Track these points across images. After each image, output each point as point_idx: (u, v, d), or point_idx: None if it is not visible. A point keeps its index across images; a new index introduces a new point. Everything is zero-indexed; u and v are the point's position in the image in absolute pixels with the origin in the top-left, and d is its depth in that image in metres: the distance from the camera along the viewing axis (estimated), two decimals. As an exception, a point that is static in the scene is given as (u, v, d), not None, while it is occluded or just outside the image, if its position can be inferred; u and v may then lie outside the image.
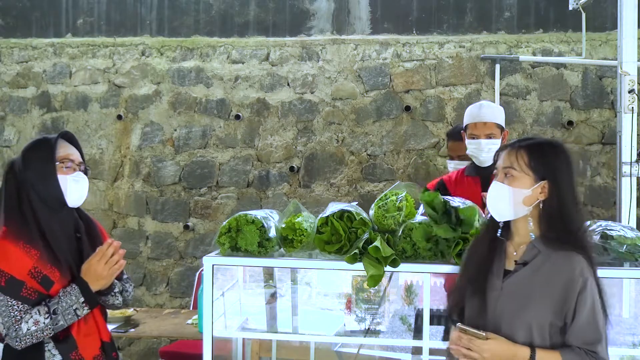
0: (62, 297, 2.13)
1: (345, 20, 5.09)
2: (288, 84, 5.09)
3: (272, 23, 5.16)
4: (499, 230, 2.03)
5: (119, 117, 5.22)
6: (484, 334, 1.92)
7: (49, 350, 2.16)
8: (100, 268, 2.18)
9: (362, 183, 4.97)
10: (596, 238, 2.30)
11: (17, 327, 2.07)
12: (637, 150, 3.70)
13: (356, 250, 2.25)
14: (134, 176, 5.22)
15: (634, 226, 3.02)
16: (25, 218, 2.16)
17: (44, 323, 2.09)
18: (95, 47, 5.32)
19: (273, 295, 2.86)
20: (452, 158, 3.47)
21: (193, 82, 5.18)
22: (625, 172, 3.54)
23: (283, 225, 2.41)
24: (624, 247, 2.22)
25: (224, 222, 2.40)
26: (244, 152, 5.12)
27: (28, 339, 2.09)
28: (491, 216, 2.05)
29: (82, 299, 2.14)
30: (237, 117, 5.09)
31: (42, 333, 2.10)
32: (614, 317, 2.48)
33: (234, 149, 5.13)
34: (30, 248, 2.12)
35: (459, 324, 1.98)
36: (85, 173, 2.30)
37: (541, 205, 1.94)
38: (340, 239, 2.32)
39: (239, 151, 5.13)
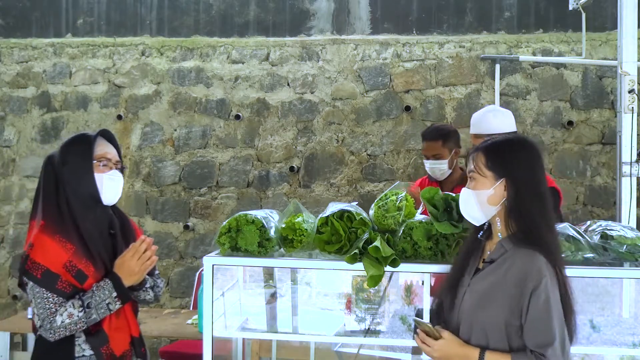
0: (95, 292, 2.16)
1: (345, 20, 5.09)
2: (288, 84, 5.09)
3: (272, 23, 5.16)
4: (481, 231, 2.04)
5: (119, 117, 5.22)
6: (437, 332, 1.94)
7: (79, 344, 2.19)
8: (133, 263, 2.21)
9: (362, 183, 4.97)
10: (596, 238, 2.31)
11: (51, 319, 2.11)
12: (637, 150, 3.70)
13: (356, 250, 2.25)
14: (134, 176, 5.22)
15: (634, 226, 3.02)
16: (62, 213, 2.20)
17: (77, 316, 2.13)
18: (95, 47, 5.32)
19: (273, 295, 2.86)
20: (427, 158, 3.46)
21: (193, 82, 5.18)
22: (625, 172, 3.55)
23: (283, 225, 2.41)
24: (624, 247, 2.22)
25: (224, 222, 2.40)
26: (244, 152, 5.12)
27: (62, 331, 2.13)
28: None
29: (114, 294, 2.17)
30: (237, 117, 5.09)
31: (76, 326, 2.13)
32: (614, 317, 2.48)
33: (234, 149, 5.13)
34: (66, 242, 2.16)
35: (414, 317, 2.03)
36: (122, 171, 2.34)
37: (505, 203, 1.93)
38: (340, 239, 2.32)
39: (239, 151, 5.13)
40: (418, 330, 2.00)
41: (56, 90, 5.34)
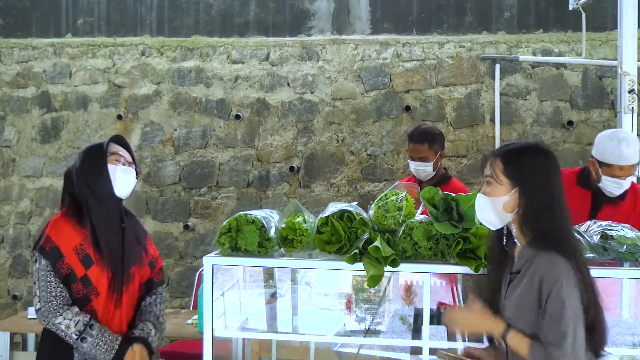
0: (101, 337, 2.28)
1: (345, 20, 5.09)
2: (288, 84, 5.09)
3: (272, 23, 5.16)
4: (503, 239, 2.04)
5: (119, 117, 5.22)
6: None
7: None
8: None
9: (362, 183, 4.97)
10: (596, 238, 2.30)
11: (53, 311, 2.25)
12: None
13: (356, 250, 2.25)
14: (134, 176, 5.22)
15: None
16: (80, 205, 2.37)
17: (69, 335, 2.26)
18: (95, 47, 5.32)
19: (273, 295, 2.86)
20: (413, 159, 3.47)
21: (193, 82, 5.18)
22: (625, 172, 3.53)
23: (283, 225, 2.41)
24: (624, 247, 2.22)
25: (224, 222, 2.41)
26: (244, 152, 5.12)
27: (54, 328, 2.27)
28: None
29: (111, 355, 2.29)
30: (237, 117, 5.09)
31: (64, 336, 2.27)
32: (614, 317, 2.48)
33: (234, 149, 5.13)
34: (81, 227, 2.33)
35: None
36: (136, 174, 2.50)
37: (519, 211, 1.94)
38: (340, 239, 2.32)
39: (239, 151, 5.13)
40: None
41: (56, 90, 5.34)
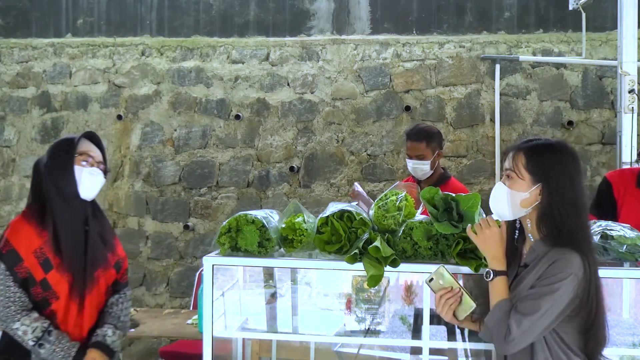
0: (58, 344, 2.26)
1: (345, 20, 5.09)
2: (288, 84, 5.09)
3: (272, 23, 5.16)
4: (515, 234, 2.05)
5: (119, 117, 5.22)
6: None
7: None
8: None
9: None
10: (596, 238, 2.30)
11: (11, 316, 2.23)
12: (637, 150, 3.70)
13: (356, 250, 2.24)
14: (134, 176, 5.22)
15: (634, 226, 3.01)
16: (43, 205, 2.33)
17: (26, 341, 2.24)
18: (95, 47, 5.32)
19: (273, 295, 2.86)
20: (410, 157, 3.47)
21: (193, 82, 5.18)
22: (625, 172, 3.53)
23: (283, 225, 2.41)
24: (624, 247, 2.22)
25: (224, 222, 2.40)
26: (244, 152, 5.12)
27: (11, 332, 2.26)
28: (508, 220, 2.06)
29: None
30: (237, 117, 5.09)
31: (21, 341, 2.25)
32: (614, 317, 2.48)
33: (234, 149, 5.13)
34: (42, 230, 2.29)
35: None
36: (105, 173, 2.44)
37: (538, 207, 1.94)
38: (340, 239, 2.31)
39: (239, 151, 5.13)
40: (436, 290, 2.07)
41: (56, 90, 5.34)
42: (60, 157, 2.36)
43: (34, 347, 2.23)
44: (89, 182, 2.37)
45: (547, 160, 1.94)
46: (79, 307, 2.34)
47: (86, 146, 2.41)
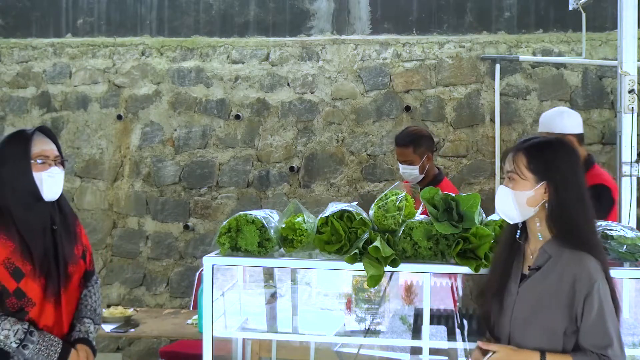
0: (42, 342, 2.22)
1: (345, 20, 5.09)
2: (288, 84, 5.09)
3: (272, 23, 5.16)
4: (518, 232, 2.03)
5: (119, 117, 5.22)
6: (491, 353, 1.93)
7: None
8: None
9: (362, 183, 4.97)
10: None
11: None
12: (637, 150, 3.69)
13: (356, 250, 2.25)
14: (134, 176, 5.22)
15: (634, 226, 3.02)
16: (2, 212, 2.25)
17: (9, 343, 2.18)
18: (95, 47, 5.32)
19: (273, 295, 2.86)
20: (400, 162, 3.49)
21: (193, 82, 5.18)
22: (625, 172, 3.54)
23: (283, 225, 2.41)
24: (624, 247, 2.22)
25: (224, 222, 2.40)
26: (244, 152, 5.12)
27: None
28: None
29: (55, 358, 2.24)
30: (237, 117, 5.09)
31: (5, 347, 2.20)
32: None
33: (234, 149, 5.13)
34: (7, 240, 2.22)
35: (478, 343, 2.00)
36: (63, 165, 2.35)
37: (546, 205, 1.93)
38: (340, 239, 2.32)
39: (239, 151, 5.13)
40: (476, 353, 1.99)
41: (56, 90, 5.34)
42: (16, 165, 2.26)
43: (18, 348, 2.18)
44: (50, 185, 2.29)
45: (548, 157, 1.94)
46: (55, 306, 2.30)
47: (39, 146, 2.30)
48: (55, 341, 2.26)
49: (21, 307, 2.24)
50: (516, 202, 1.95)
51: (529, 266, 1.99)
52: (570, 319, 1.86)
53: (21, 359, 2.24)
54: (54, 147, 2.35)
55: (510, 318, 1.96)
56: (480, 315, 2.15)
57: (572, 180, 1.92)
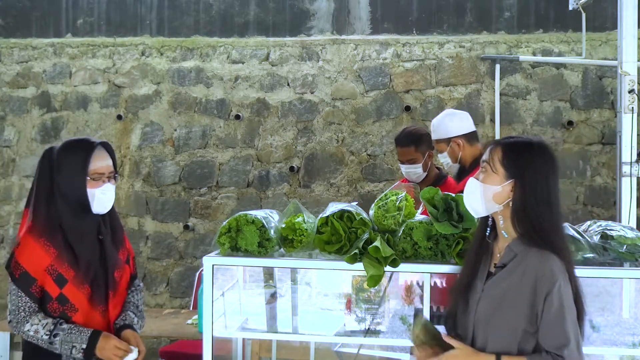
0: (72, 330, 2.23)
1: (345, 20, 5.09)
2: (288, 84, 5.09)
3: (272, 23, 5.16)
4: (488, 229, 2.04)
5: (119, 117, 5.22)
6: (446, 340, 1.95)
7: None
8: (111, 354, 2.27)
9: (362, 183, 4.97)
10: (596, 238, 2.30)
11: (21, 323, 2.22)
12: (637, 150, 3.69)
13: (356, 250, 2.25)
14: (134, 176, 5.22)
15: (634, 226, 3.02)
16: (50, 217, 2.27)
17: (41, 338, 2.21)
18: (95, 47, 5.32)
19: (273, 295, 2.86)
20: (402, 162, 3.49)
21: (193, 82, 5.18)
22: (625, 172, 3.54)
23: (283, 225, 2.41)
24: (624, 247, 2.22)
25: (224, 222, 2.40)
26: (244, 152, 5.12)
27: (25, 336, 2.26)
28: (481, 217, 2.06)
29: (84, 345, 2.23)
30: (237, 117, 5.09)
31: (37, 342, 2.23)
32: (613, 317, 2.48)
33: (234, 149, 5.13)
34: (50, 246, 2.24)
35: (423, 319, 2.05)
36: (115, 180, 2.38)
37: (510, 204, 1.94)
38: (340, 239, 2.32)
39: (239, 151, 5.13)
40: (417, 345, 1.99)
41: (56, 90, 5.34)
42: (72, 177, 2.28)
43: (50, 338, 2.19)
44: (101, 200, 2.32)
45: (523, 157, 1.95)
46: (102, 313, 2.33)
47: (98, 162, 2.31)
48: (85, 329, 2.25)
49: (63, 312, 2.26)
50: (483, 195, 1.96)
51: (494, 264, 1.99)
52: (530, 318, 1.86)
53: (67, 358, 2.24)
54: (110, 162, 2.37)
55: (474, 316, 1.96)
56: (446, 313, 2.14)
57: (542, 183, 1.92)
